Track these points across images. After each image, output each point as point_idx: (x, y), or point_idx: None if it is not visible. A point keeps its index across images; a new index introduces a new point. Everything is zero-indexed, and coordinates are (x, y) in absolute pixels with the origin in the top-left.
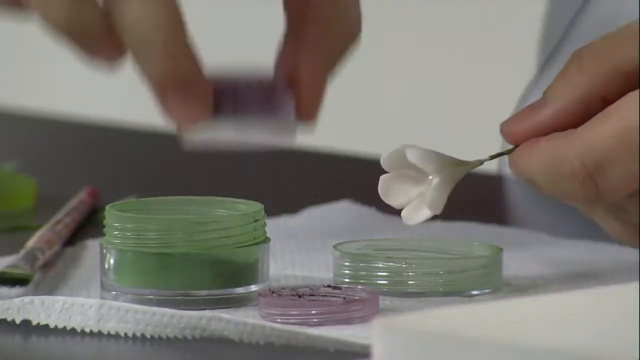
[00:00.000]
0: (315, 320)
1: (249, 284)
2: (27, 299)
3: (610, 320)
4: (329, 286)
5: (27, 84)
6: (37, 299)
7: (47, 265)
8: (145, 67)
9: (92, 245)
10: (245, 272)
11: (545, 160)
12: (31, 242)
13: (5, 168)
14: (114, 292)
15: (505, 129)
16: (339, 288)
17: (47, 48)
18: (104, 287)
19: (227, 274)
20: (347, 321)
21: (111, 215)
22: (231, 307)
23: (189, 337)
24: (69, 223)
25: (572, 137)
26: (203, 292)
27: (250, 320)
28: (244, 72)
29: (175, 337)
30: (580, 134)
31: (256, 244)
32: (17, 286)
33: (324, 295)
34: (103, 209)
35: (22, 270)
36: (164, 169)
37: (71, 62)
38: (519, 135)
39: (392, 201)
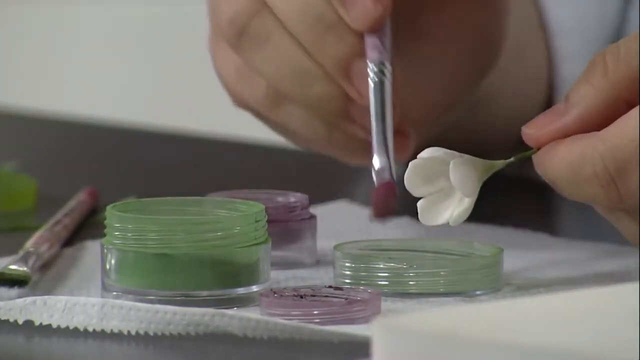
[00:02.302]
0: (317, 320)
1: (250, 284)
2: (29, 299)
3: (611, 320)
4: (330, 287)
5: (27, 84)
6: (39, 299)
7: (45, 266)
8: None
9: (91, 246)
10: (246, 273)
11: (568, 163)
12: (30, 243)
13: (5, 168)
14: (115, 293)
15: (528, 133)
16: (341, 289)
17: (46, 48)
18: (105, 287)
19: (228, 275)
20: (349, 321)
21: (112, 215)
22: (232, 307)
23: (192, 334)
24: (68, 224)
25: (594, 140)
26: (204, 293)
27: (254, 316)
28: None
29: (179, 335)
30: (602, 136)
31: (257, 244)
32: (16, 287)
33: (326, 296)
34: (102, 209)
35: (20, 271)
36: (164, 169)
37: (70, 62)
38: (542, 139)
39: (415, 190)
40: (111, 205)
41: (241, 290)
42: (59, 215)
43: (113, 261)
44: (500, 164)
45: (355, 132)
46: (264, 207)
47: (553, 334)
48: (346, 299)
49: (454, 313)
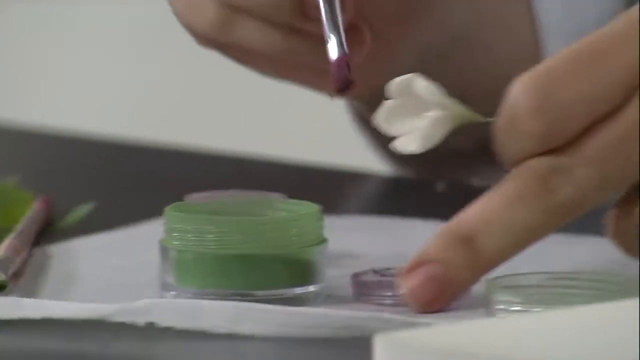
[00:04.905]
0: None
1: (307, 284)
2: (150, 301)
3: (611, 336)
4: None
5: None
6: (162, 301)
7: (16, 274)
8: None
9: (56, 252)
10: (303, 273)
11: None
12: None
13: (7, 183)
14: (173, 292)
15: None
16: None
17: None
18: (164, 287)
19: (286, 275)
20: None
21: (171, 216)
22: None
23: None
24: (30, 231)
25: None
26: (261, 292)
27: (412, 319)
28: None
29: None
30: None
31: (314, 244)
32: None
33: None
34: (59, 217)
35: None
36: (115, 177)
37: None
38: None
39: (389, 128)
40: (170, 206)
41: (298, 290)
42: (21, 224)
43: (172, 261)
44: (477, 116)
45: (314, 29)
46: (320, 207)
47: (555, 350)
48: None
49: (457, 329)
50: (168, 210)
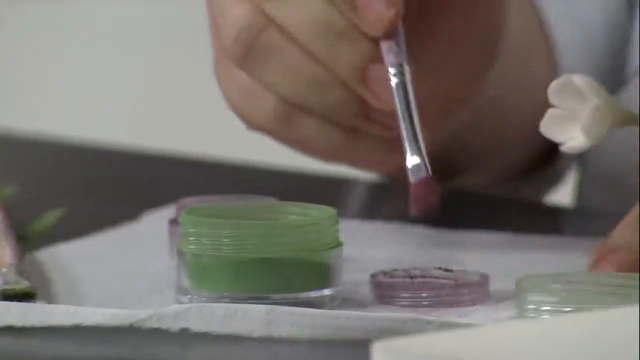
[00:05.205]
0: (425, 302)
1: (323, 287)
2: (183, 306)
3: (611, 343)
4: (440, 268)
5: None
6: (194, 306)
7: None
8: None
9: (46, 258)
10: (320, 276)
11: None
12: (8, 259)
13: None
14: (189, 296)
15: None
16: (450, 270)
17: None
18: (179, 290)
19: (302, 278)
20: (458, 304)
21: (187, 220)
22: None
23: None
24: (14, 236)
25: None
26: (277, 296)
27: (451, 320)
28: None
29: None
30: None
31: (329, 248)
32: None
33: (436, 277)
34: (25, 223)
35: (23, 285)
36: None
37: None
38: None
39: (556, 136)
40: (186, 209)
41: (313, 294)
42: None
43: (187, 265)
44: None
45: (376, 131)
46: (335, 211)
47: (554, 357)
48: (455, 281)
49: (456, 335)
50: (183, 214)
